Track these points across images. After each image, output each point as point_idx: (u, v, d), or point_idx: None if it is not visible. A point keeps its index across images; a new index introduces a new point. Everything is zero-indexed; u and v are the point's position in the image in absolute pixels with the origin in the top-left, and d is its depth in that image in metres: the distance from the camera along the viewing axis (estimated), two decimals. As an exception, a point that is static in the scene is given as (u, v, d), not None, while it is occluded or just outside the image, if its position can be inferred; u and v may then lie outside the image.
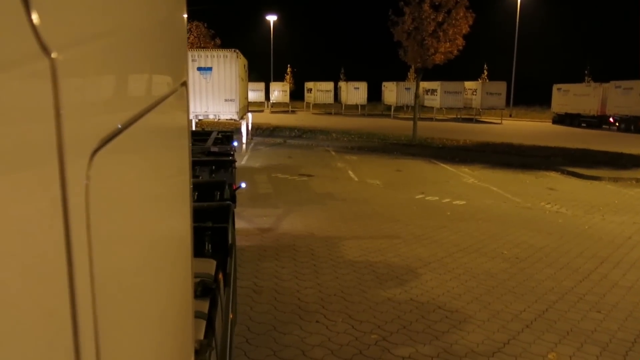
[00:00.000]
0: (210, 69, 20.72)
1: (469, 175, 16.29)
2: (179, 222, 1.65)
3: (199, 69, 20.37)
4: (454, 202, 12.08)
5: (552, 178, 16.39)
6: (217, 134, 10.05)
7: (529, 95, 61.89)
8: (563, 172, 17.29)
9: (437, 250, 8.24)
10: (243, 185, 7.46)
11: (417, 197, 12.66)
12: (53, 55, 0.59)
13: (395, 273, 7.12)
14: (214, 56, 20.64)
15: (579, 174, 16.59)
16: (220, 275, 3.35)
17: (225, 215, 4.37)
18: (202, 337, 2.47)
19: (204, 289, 2.88)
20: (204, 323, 2.58)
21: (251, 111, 28.01)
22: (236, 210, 5.78)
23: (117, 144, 0.86)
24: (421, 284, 6.76)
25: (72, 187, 0.64)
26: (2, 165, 0.51)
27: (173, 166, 1.59)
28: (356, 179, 15.16)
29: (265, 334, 5.23)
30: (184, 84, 1.80)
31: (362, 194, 12.89)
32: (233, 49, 20.69)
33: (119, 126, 0.89)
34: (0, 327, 0.51)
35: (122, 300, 0.93)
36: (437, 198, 12.56)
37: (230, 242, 4.14)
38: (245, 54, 23.54)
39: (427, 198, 12.54)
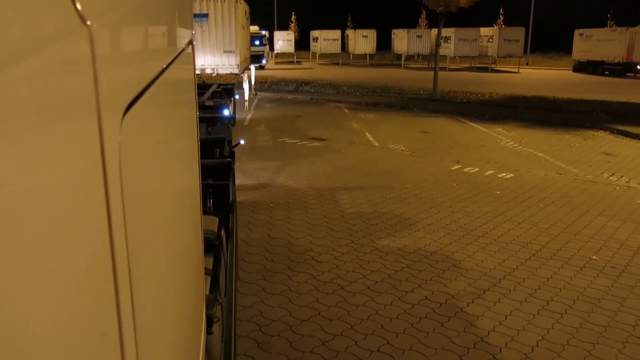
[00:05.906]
0: (206, 15, 18.16)
1: (505, 137, 14.05)
2: (191, 179, 1.69)
3: (194, 15, 17.72)
4: (500, 176, 9.93)
5: (603, 139, 14.11)
6: (218, 87, 9.38)
7: (546, 41, 58.62)
8: (612, 131, 14.97)
9: (502, 256, 6.15)
10: (242, 142, 7.31)
11: (452, 168, 10.51)
12: (88, 22, 0.62)
13: (459, 303, 5.04)
14: (210, 0, 18.08)
15: (633, 133, 14.26)
16: (223, 232, 3.33)
17: (226, 172, 4.38)
18: (207, 292, 2.40)
19: (208, 246, 2.79)
20: (208, 279, 2.57)
21: (254, 64, 25.48)
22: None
23: (143, 102, 0.91)
24: (499, 322, 4.69)
25: (108, 142, 0.66)
26: (56, 122, 0.53)
27: (186, 123, 1.63)
28: (376, 143, 12.97)
29: None
30: (191, 42, 1.85)
31: (386, 164, 10.74)
32: (231, -8, 18.11)
33: (144, 85, 0.95)
34: (50, 274, 0.52)
35: (149, 253, 0.95)
36: (477, 169, 10.41)
37: (231, 199, 4.20)
38: (246, 0, 20.95)
39: (465, 169, 10.37)
